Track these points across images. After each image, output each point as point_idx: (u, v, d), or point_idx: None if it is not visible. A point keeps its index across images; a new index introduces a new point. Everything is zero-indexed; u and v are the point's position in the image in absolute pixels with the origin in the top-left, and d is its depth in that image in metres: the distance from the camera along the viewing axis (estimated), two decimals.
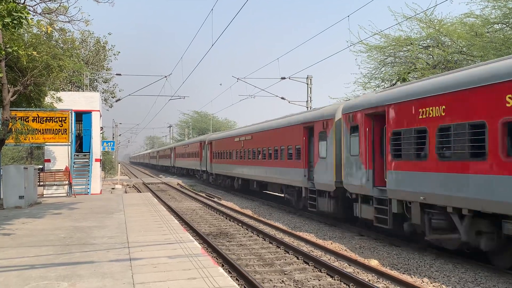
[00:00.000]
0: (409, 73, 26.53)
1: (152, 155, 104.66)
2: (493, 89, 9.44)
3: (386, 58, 29.01)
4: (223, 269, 9.40)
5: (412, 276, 10.18)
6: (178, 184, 42.72)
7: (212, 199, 27.88)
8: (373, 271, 10.26)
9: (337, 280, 9.73)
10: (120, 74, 37.08)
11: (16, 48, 11.65)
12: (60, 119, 22.85)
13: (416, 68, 27.05)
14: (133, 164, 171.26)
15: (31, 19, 11.19)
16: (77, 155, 26.10)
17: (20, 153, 45.79)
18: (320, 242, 13.80)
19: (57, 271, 8.03)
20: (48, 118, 22.64)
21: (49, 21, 17.18)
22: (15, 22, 9.70)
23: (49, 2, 17.01)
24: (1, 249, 10.03)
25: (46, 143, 23.83)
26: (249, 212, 21.20)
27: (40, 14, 16.23)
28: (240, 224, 17.47)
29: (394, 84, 27.17)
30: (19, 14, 9.75)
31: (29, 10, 14.76)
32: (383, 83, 29.25)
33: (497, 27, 23.40)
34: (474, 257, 11.26)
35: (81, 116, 26.53)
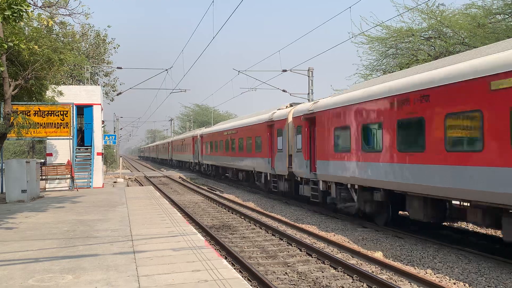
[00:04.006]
0: (411, 64, 26.40)
1: (184, 144, 55.13)
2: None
3: (388, 50, 28.88)
4: (227, 261, 9.42)
5: (416, 267, 10.19)
6: (179, 177, 42.79)
7: (214, 192, 27.90)
8: (376, 263, 10.27)
9: (341, 271, 9.74)
10: (121, 68, 36.99)
11: (17, 42, 11.60)
12: (62, 113, 22.84)
13: (418, 60, 26.95)
14: (145, 160, 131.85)
15: (31, 12, 11.15)
16: (79, 149, 26.13)
17: (22, 147, 45.83)
18: (323, 234, 13.81)
19: (61, 264, 8.05)
20: (50, 112, 22.63)
21: (49, 14, 17.10)
22: (15, 15, 9.66)
23: None
24: (5, 243, 10.06)
25: (48, 137, 23.85)
26: (251, 205, 21.21)
27: (40, 7, 16.16)
28: (242, 217, 17.49)
29: None
30: (19, 7, 9.71)
31: (30, 3, 14.69)
32: (384, 75, 29.16)
33: (500, 17, 23.26)
34: (477, 248, 11.28)
35: (83, 110, 26.53)
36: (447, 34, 26.17)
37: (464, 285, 8.86)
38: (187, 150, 51.31)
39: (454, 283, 8.98)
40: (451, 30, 25.72)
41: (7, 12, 9.68)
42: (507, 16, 22.79)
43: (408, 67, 26.39)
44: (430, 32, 26.98)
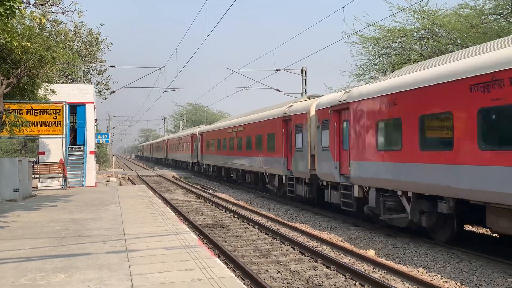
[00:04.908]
0: (404, 63, 26.50)
1: (238, 136, 28.18)
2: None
3: (381, 50, 28.95)
4: (220, 260, 9.42)
5: (408, 266, 10.24)
6: (173, 176, 42.70)
7: (207, 191, 27.88)
8: (369, 261, 10.31)
9: (333, 270, 9.77)
10: (114, 66, 36.82)
11: (9, 39, 11.53)
12: (54, 111, 22.72)
13: (410, 60, 27.05)
14: (146, 161, 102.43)
15: (24, 9, 11.09)
16: (72, 147, 26.02)
17: (14, 146, 45.52)
18: (316, 233, 13.84)
19: (54, 263, 8.02)
20: (42, 111, 22.50)
21: (42, 12, 17.01)
22: (7, 12, 9.60)
23: None
24: None
25: (40, 136, 23.72)
26: (244, 204, 21.23)
27: (33, 5, 16.07)
28: (235, 216, 17.49)
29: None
30: (12, 4, 9.65)
31: (22, 0, 14.63)
32: (377, 75, 29.23)
33: (492, 18, 23.39)
34: (470, 247, 11.36)
35: (75, 109, 26.42)
36: (440, 34, 26.29)
37: (456, 283, 8.92)
38: (254, 148, 25.06)
39: (446, 282, 9.04)
40: (443, 30, 25.85)
41: (0, 9, 9.62)
42: (499, 17, 22.91)
43: (401, 67, 26.50)
44: (423, 32, 27.08)
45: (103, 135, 38.78)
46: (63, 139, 24.13)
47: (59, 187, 24.17)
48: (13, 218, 13.60)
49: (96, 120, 31.34)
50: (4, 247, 9.43)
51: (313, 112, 17.96)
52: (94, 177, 27.17)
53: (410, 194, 11.86)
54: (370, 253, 11.19)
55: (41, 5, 16.32)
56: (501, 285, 8.75)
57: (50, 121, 22.77)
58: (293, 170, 19.68)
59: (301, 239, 12.98)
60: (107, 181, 33.63)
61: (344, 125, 15.28)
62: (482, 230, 13.83)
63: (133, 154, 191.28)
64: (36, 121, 22.44)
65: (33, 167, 22.90)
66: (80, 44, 37.64)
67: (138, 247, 9.29)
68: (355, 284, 8.87)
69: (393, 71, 27.08)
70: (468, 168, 9.81)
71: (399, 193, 12.25)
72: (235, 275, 8.72)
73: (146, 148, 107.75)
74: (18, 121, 18.47)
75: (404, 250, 11.60)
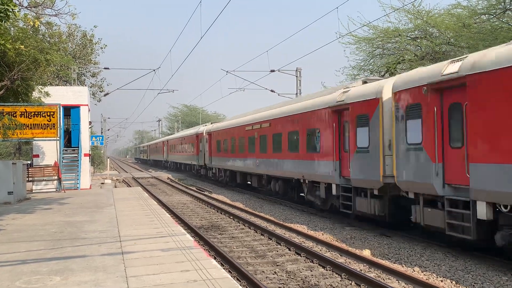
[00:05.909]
0: (398, 63, 26.61)
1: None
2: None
3: (375, 50, 29.03)
4: (216, 261, 9.41)
5: (403, 265, 10.27)
6: (168, 178, 42.64)
7: (203, 192, 27.85)
8: (364, 261, 10.34)
9: (329, 270, 9.79)
10: (108, 68, 36.79)
11: (3, 42, 11.50)
12: (48, 113, 22.62)
13: (404, 60, 27.15)
14: (155, 166, 74.86)
15: (18, 11, 11.06)
16: (66, 150, 25.93)
17: (8, 149, 45.32)
18: (311, 233, 13.86)
19: (49, 266, 8.00)
20: (36, 113, 22.40)
21: (35, 14, 16.96)
22: (2, 15, 9.56)
23: None
24: None
25: (35, 138, 23.60)
26: (240, 205, 21.22)
27: (26, 7, 16.00)
28: (231, 217, 17.49)
29: (383, 76, 27.26)
30: (6, 7, 9.61)
31: (15, 2, 14.57)
32: (372, 75, 29.31)
33: (484, 17, 23.52)
34: (464, 245, 11.41)
35: (70, 111, 26.32)
36: (433, 34, 26.39)
37: (451, 282, 8.96)
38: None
39: (442, 280, 9.08)
40: (437, 30, 25.95)
41: None
42: (492, 16, 23.04)
43: (395, 67, 26.60)
44: (417, 32, 27.18)
45: (98, 137, 38.66)
46: (58, 142, 24.03)
47: (54, 189, 24.08)
48: (8, 221, 13.54)
49: (90, 122, 31.26)
50: None
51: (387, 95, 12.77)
52: (89, 179, 27.09)
53: None
54: (366, 253, 11.22)
55: (34, 7, 16.26)
56: (496, 283, 8.80)
57: (44, 124, 22.67)
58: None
59: (296, 239, 13.00)
60: (102, 183, 33.52)
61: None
62: None
63: (127, 156, 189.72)
64: (30, 124, 22.33)
65: (28, 170, 22.80)
66: (74, 46, 37.53)
67: (133, 249, 9.27)
68: (351, 284, 8.89)
69: (387, 71, 27.18)
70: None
71: None
72: (231, 276, 8.72)
73: (154, 148, 76.32)
74: (12, 124, 18.41)
75: (399, 250, 11.64)
